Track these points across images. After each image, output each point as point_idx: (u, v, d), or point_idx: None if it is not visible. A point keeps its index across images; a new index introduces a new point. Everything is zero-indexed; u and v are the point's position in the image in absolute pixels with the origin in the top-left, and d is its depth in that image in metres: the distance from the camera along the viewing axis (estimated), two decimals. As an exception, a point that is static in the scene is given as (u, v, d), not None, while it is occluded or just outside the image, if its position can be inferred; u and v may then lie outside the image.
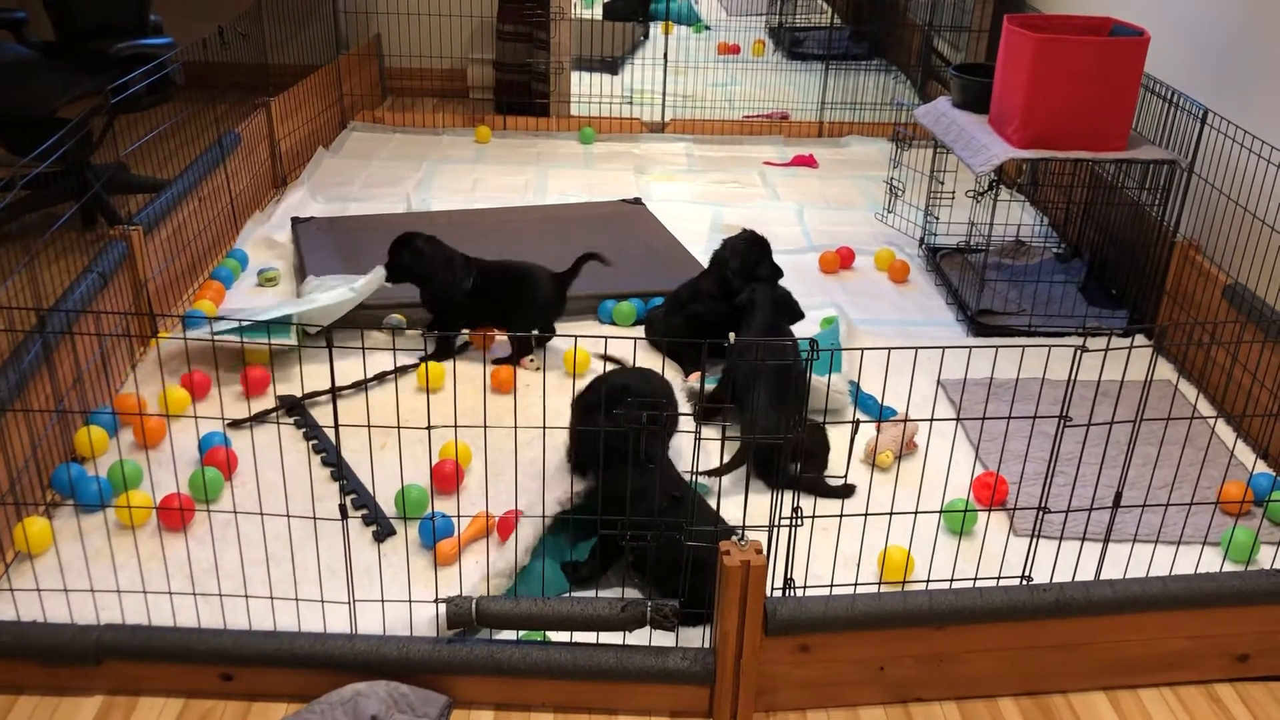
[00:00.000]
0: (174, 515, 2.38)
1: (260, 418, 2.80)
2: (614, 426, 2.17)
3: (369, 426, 1.85)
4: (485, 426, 1.87)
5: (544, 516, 2.25)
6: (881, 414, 2.82)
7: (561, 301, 3.13)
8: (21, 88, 3.78)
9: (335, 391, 1.85)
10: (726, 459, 2.60)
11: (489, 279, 3.08)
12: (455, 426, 1.94)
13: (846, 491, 2.58)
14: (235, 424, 2.75)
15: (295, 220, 3.90)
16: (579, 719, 2.05)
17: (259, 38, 4.36)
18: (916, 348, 2.00)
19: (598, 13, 6.88)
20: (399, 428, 1.90)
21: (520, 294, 3.07)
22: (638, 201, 4.28)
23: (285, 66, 4.62)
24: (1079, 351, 1.93)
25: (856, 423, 2.01)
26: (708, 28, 7.02)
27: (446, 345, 3.12)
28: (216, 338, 2.96)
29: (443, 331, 3.11)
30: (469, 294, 3.05)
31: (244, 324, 2.94)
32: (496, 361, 3.09)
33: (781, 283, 3.61)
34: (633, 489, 2.11)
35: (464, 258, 3.10)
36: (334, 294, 3.08)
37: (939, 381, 3.07)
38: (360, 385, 2.93)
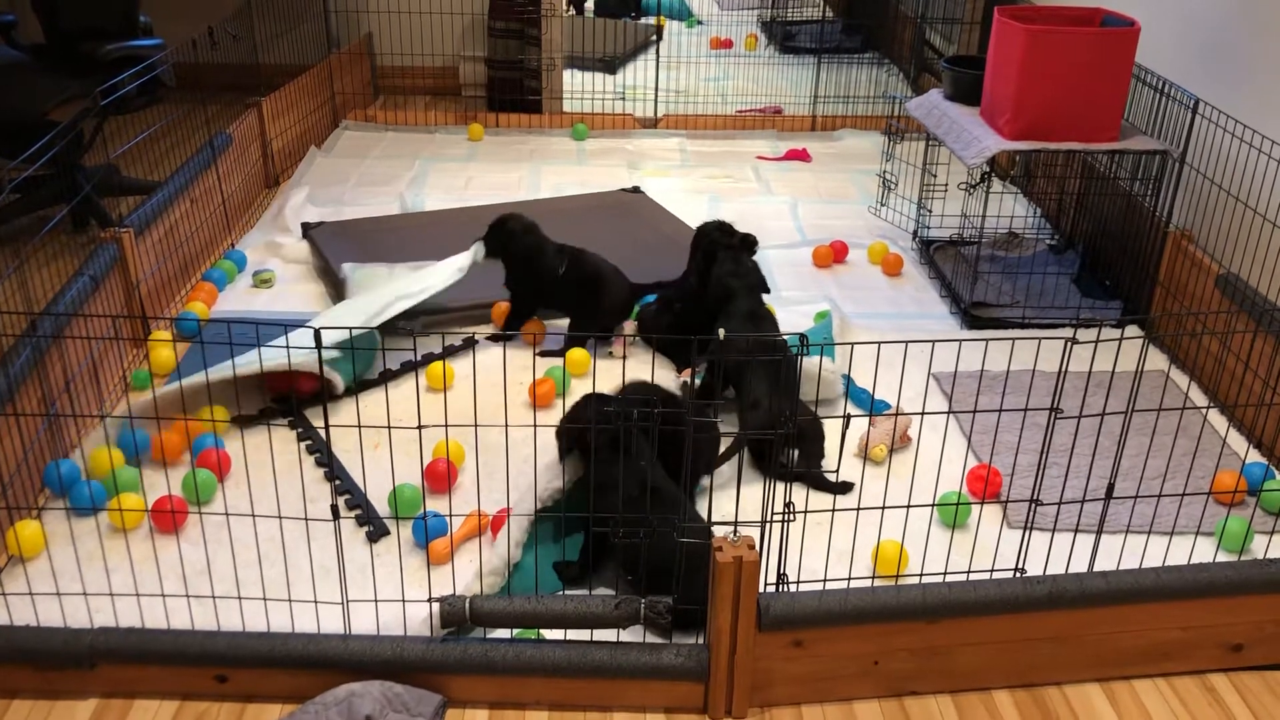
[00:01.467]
0: (167, 518, 2.38)
1: (264, 417, 2.80)
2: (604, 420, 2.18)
3: (359, 427, 1.85)
4: (476, 425, 1.87)
5: (535, 515, 2.25)
6: (873, 407, 2.82)
7: (629, 309, 3.24)
8: (11, 90, 3.77)
9: (325, 391, 1.84)
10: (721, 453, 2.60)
11: (578, 268, 3.17)
12: (446, 426, 1.94)
13: (844, 488, 2.57)
14: (239, 421, 2.76)
15: (306, 226, 3.88)
16: (574, 716, 2.05)
17: (249, 38, 4.35)
18: (907, 341, 2.00)
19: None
20: (389, 427, 1.90)
21: (598, 290, 3.16)
22: (637, 190, 4.27)
23: (276, 66, 4.61)
24: (1069, 344, 1.93)
25: (848, 417, 2.01)
26: (700, 22, 7.01)
27: (517, 318, 3.21)
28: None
29: (518, 312, 3.21)
30: (559, 280, 3.14)
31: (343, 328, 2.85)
32: (544, 353, 3.16)
33: (773, 276, 3.61)
34: (604, 481, 2.13)
35: (558, 245, 3.18)
36: (439, 276, 3.15)
37: (931, 374, 3.07)
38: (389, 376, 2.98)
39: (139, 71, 3.38)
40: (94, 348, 2.82)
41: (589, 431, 2.18)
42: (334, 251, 3.63)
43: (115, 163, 4.03)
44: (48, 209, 3.92)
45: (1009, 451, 2.73)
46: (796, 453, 2.59)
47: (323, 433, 2.69)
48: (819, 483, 2.57)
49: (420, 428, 1.89)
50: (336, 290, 3.42)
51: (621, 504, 2.14)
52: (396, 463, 2.55)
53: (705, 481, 2.53)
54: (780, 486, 2.11)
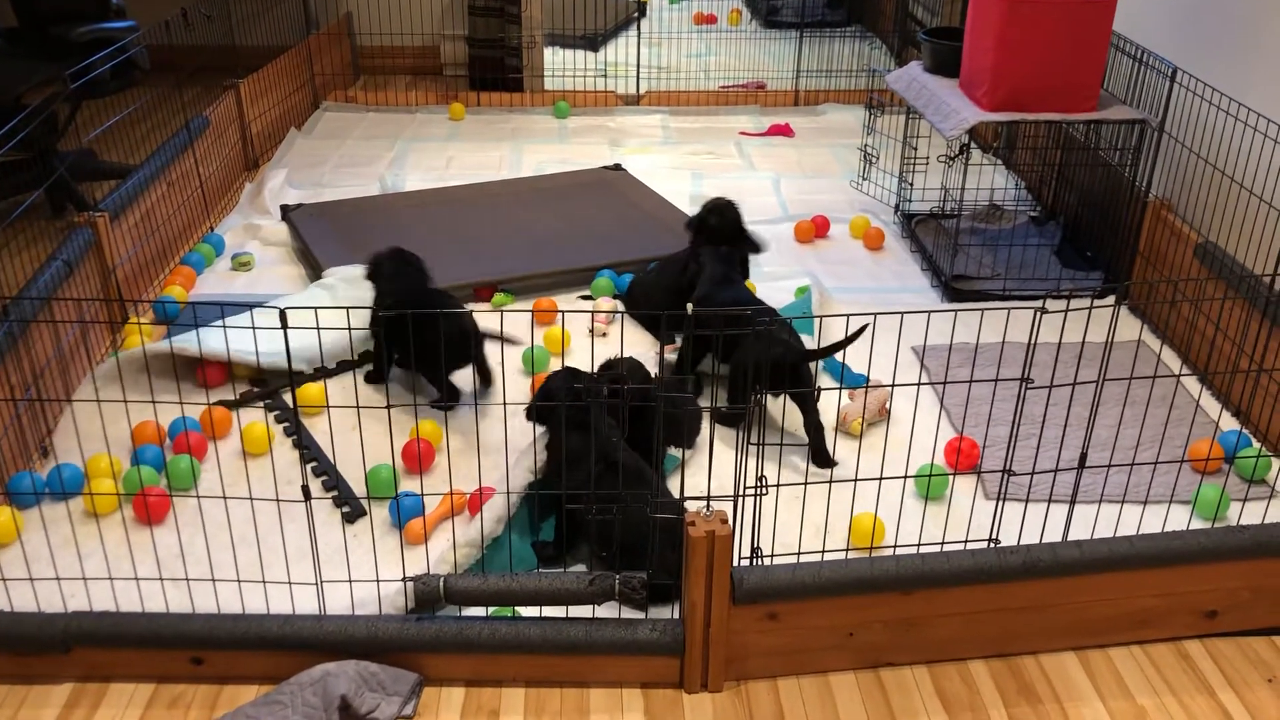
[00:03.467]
0: (143, 504, 2.37)
1: (245, 401, 2.78)
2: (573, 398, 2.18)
3: (328, 407, 1.84)
4: (446, 406, 1.86)
5: (508, 493, 2.25)
6: (844, 379, 2.81)
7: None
8: (-17, 75, 3.74)
9: (291, 374, 1.84)
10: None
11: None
12: (415, 405, 1.93)
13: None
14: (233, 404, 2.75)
15: (285, 208, 3.86)
16: (550, 693, 2.06)
17: (225, 19, 4.31)
18: (875, 314, 1.99)
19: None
20: (358, 408, 1.89)
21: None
22: (619, 168, 4.26)
23: (254, 48, 4.58)
24: (1038, 314, 1.92)
25: (819, 390, 2.00)
26: (684, -2, 6.96)
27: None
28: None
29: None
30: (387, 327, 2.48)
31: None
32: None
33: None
34: (572, 455, 2.12)
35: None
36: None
37: (910, 347, 3.06)
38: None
39: (111, 54, 3.35)
40: (70, 332, 2.80)
41: (556, 407, 2.18)
42: (313, 234, 3.61)
43: (91, 147, 4.00)
44: (23, 194, 3.89)
45: (986, 423, 2.72)
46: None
47: (308, 422, 2.68)
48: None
49: (389, 407, 1.88)
50: (316, 274, 3.40)
51: (592, 480, 2.14)
52: (375, 445, 2.53)
53: (680, 454, 2.53)
54: (753, 460, 2.11)
